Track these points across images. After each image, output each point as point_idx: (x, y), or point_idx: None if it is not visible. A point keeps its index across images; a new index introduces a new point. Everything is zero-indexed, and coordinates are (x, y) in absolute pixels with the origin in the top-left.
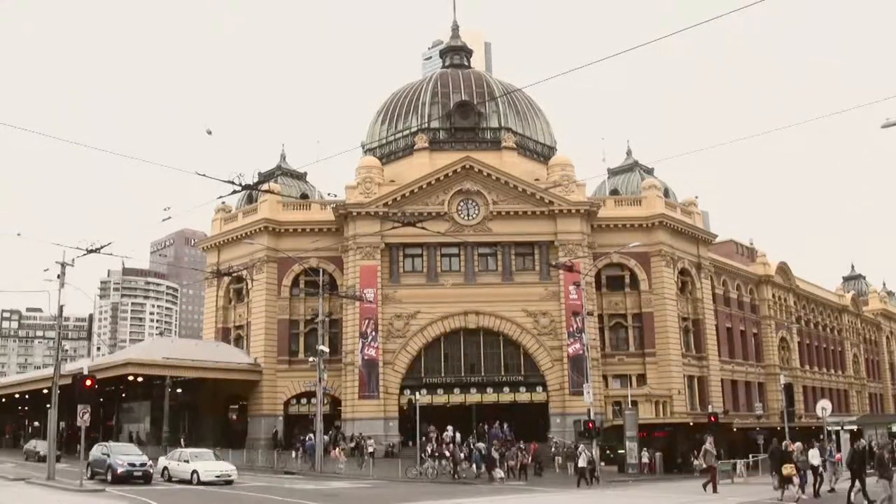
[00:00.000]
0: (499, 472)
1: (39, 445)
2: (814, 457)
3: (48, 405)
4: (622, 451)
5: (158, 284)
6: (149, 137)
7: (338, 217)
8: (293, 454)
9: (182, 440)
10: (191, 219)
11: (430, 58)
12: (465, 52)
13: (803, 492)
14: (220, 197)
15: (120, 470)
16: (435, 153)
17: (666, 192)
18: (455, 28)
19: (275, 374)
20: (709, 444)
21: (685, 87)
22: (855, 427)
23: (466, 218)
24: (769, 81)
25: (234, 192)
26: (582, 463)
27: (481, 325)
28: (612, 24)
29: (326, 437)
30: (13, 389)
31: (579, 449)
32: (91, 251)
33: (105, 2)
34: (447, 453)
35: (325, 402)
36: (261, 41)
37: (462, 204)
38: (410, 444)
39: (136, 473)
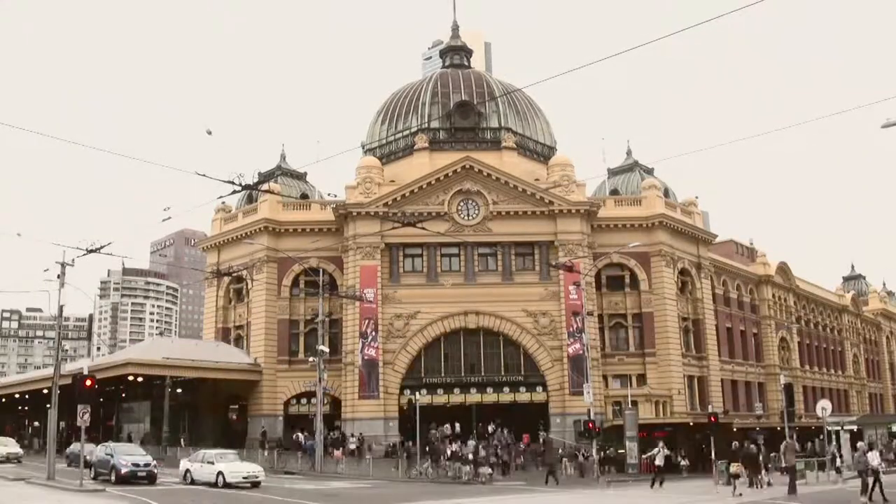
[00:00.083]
0: (486, 469)
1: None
2: (873, 458)
3: (48, 405)
4: (622, 451)
5: (158, 284)
6: (149, 137)
7: (338, 217)
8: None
9: (182, 440)
10: (191, 219)
11: (430, 58)
12: (465, 52)
13: (760, 487)
14: (220, 197)
15: (124, 470)
16: (435, 153)
17: (666, 192)
18: (455, 28)
19: (275, 374)
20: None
21: (685, 87)
22: (855, 427)
23: (466, 218)
24: (769, 81)
25: (234, 192)
26: (659, 461)
27: (481, 325)
28: (612, 24)
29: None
30: (13, 389)
31: (658, 446)
32: (91, 251)
33: (105, 2)
34: (448, 452)
35: (326, 402)
36: (261, 41)
37: (462, 204)
38: (410, 444)
39: (139, 474)
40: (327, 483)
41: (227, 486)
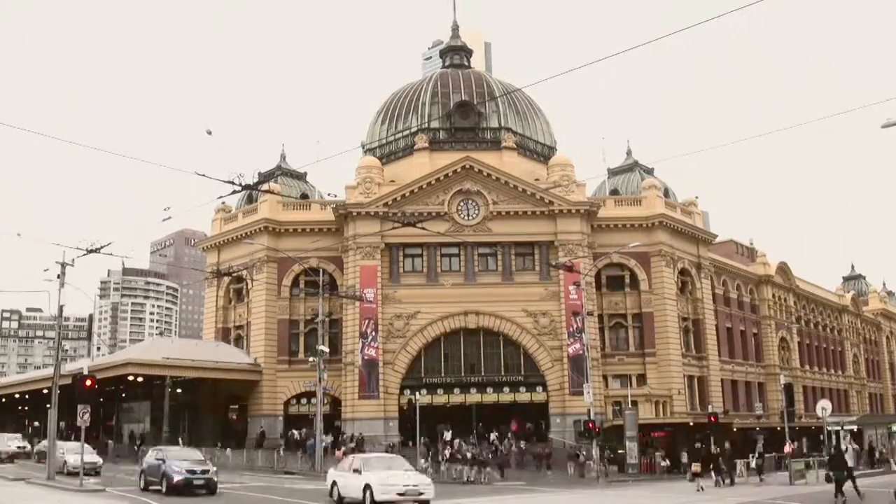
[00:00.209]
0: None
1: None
2: (849, 459)
3: (48, 405)
4: (622, 451)
5: (158, 284)
6: (149, 137)
7: (338, 217)
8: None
9: (181, 440)
10: (191, 219)
11: (430, 58)
12: (465, 52)
13: (722, 485)
14: (220, 197)
15: (177, 478)
16: (435, 153)
17: (666, 192)
18: (455, 28)
19: (275, 374)
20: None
21: (685, 87)
22: (855, 427)
23: (466, 218)
24: (769, 81)
25: (234, 192)
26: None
27: (481, 325)
28: (612, 24)
29: (329, 438)
30: (13, 389)
31: (759, 442)
32: (91, 251)
33: (105, 2)
34: (447, 454)
35: (325, 402)
36: (261, 41)
37: (462, 204)
38: (410, 444)
39: (196, 482)
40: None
41: None
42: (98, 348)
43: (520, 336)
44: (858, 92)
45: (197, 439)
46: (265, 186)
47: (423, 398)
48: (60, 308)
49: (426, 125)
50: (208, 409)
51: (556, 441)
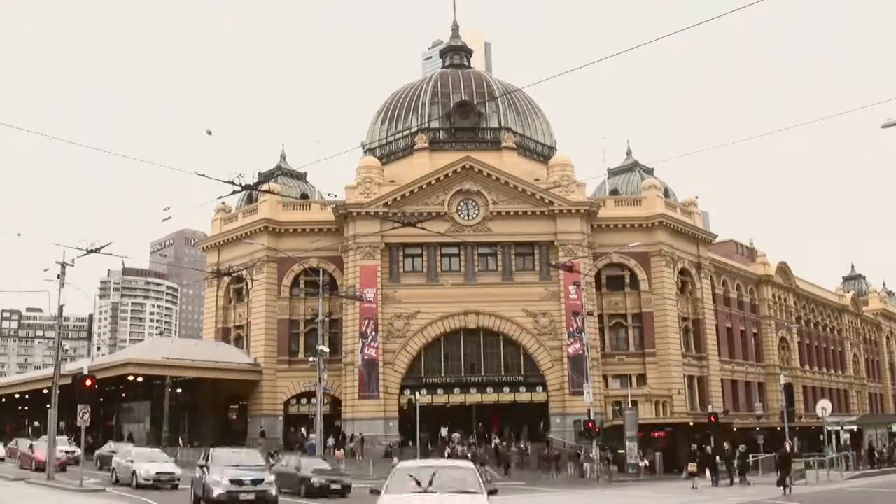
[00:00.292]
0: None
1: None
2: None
3: (48, 405)
4: (622, 451)
5: (158, 284)
6: (149, 137)
7: (338, 217)
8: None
9: (181, 440)
10: (191, 219)
11: (430, 58)
12: (465, 52)
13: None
14: (220, 197)
15: (217, 492)
16: (435, 153)
17: (666, 192)
18: (455, 28)
19: (275, 374)
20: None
21: (685, 87)
22: (855, 427)
23: (466, 218)
24: (769, 81)
25: (234, 192)
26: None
27: (481, 325)
28: (612, 24)
29: (332, 440)
30: (13, 389)
31: (739, 446)
32: (91, 251)
33: (105, 2)
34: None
35: (326, 402)
36: (261, 41)
37: (462, 204)
38: (410, 443)
39: (243, 497)
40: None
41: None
42: (98, 348)
43: (520, 336)
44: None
45: (197, 439)
46: (265, 186)
47: (423, 398)
48: (60, 308)
49: (426, 125)
50: (208, 409)
51: (556, 441)
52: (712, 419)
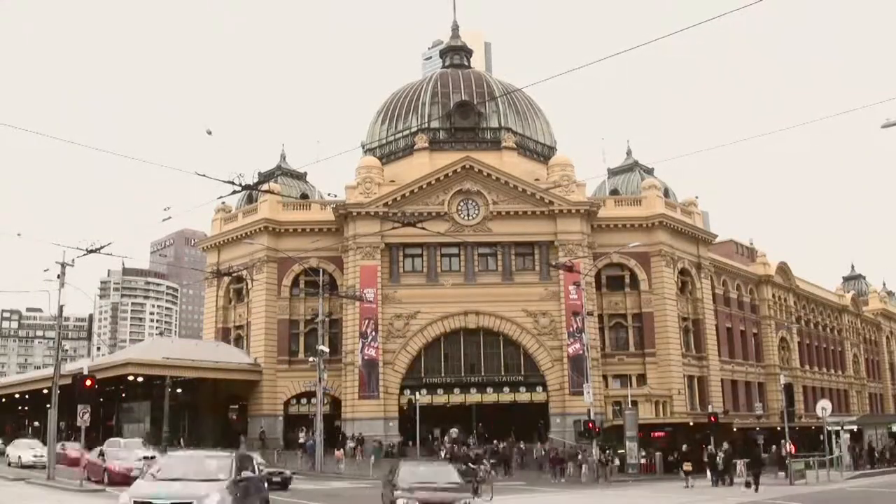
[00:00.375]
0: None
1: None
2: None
3: (48, 405)
4: (622, 451)
5: (158, 284)
6: (149, 137)
7: (338, 217)
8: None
9: (181, 440)
10: (191, 219)
11: (430, 58)
12: (465, 52)
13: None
14: (220, 197)
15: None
16: (435, 153)
17: (666, 192)
18: (455, 28)
19: (275, 374)
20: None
21: (685, 87)
22: (855, 427)
23: (466, 218)
24: (769, 81)
25: (234, 192)
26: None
27: (481, 325)
28: (612, 24)
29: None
30: (13, 389)
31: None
32: (91, 251)
33: (105, 2)
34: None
35: (326, 402)
36: (261, 41)
37: (462, 204)
38: (410, 443)
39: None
40: (328, 483)
41: None
42: (98, 348)
43: (520, 336)
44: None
45: (197, 439)
46: (265, 186)
47: (423, 398)
48: (60, 308)
49: (426, 125)
50: (208, 409)
51: (557, 441)
52: (712, 419)
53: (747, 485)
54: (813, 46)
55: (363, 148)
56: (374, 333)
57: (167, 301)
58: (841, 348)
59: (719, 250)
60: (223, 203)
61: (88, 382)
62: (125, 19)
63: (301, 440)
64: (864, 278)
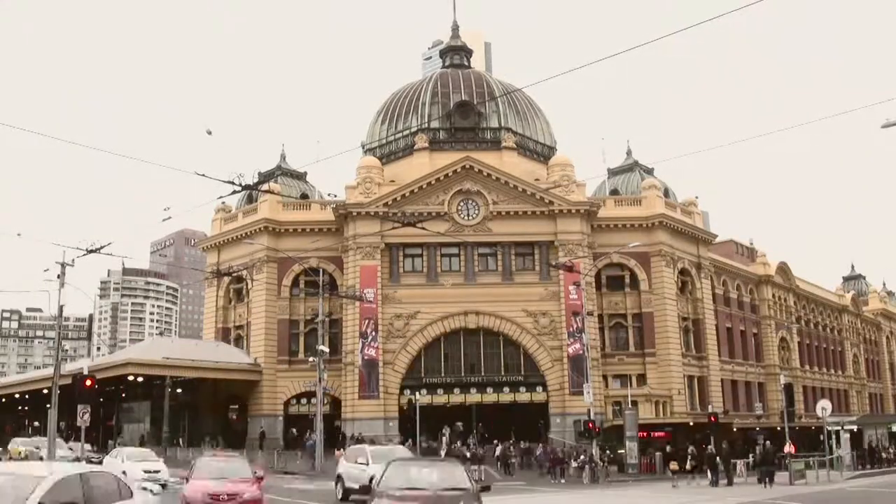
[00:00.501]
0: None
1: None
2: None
3: (48, 405)
4: (622, 451)
5: (158, 284)
6: (149, 137)
7: (338, 217)
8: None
9: (181, 440)
10: (191, 219)
11: (430, 58)
12: (465, 52)
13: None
14: (220, 197)
15: None
16: (435, 153)
17: (666, 192)
18: (455, 28)
19: (275, 374)
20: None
21: (685, 87)
22: (855, 427)
23: (466, 218)
24: (770, 81)
25: (234, 192)
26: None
27: (481, 325)
28: (612, 24)
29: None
30: (13, 389)
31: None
32: (91, 251)
33: (105, 2)
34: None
35: (326, 402)
36: (261, 41)
37: (462, 204)
38: (410, 443)
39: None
40: (328, 483)
41: None
42: (98, 348)
43: (520, 336)
44: (858, 92)
45: (197, 439)
46: (265, 186)
47: (423, 398)
48: (60, 308)
49: (426, 125)
50: (208, 409)
51: (557, 441)
52: (712, 419)
53: (763, 482)
54: (813, 46)
55: (363, 148)
56: (374, 333)
57: (167, 301)
58: (841, 348)
59: (719, 250)
60: (223, 203)
61: (88, 382)
62: (125, 19)
63: (312, 440)
64: (864, 278)
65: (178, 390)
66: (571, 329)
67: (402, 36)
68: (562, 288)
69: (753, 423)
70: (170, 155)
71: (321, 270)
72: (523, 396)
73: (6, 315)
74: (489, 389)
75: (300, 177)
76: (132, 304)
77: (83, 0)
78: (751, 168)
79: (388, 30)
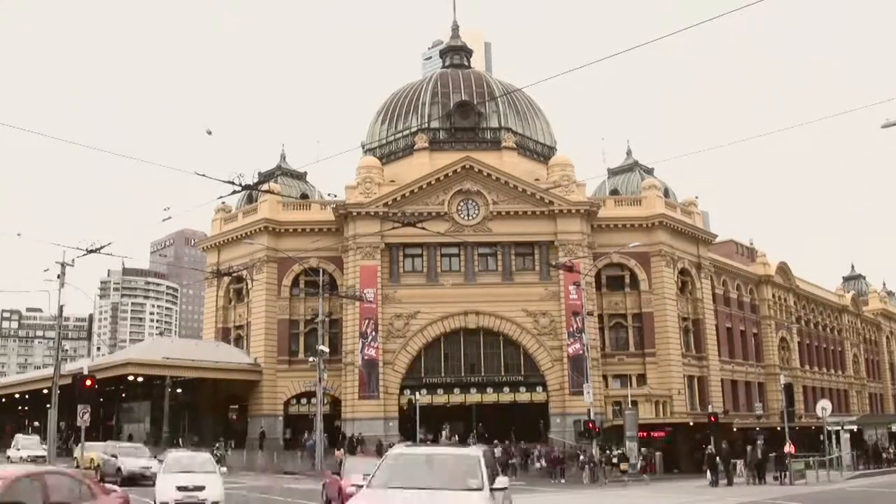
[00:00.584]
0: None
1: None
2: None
3: (48, 405)
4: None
5: (158, 284)
6: (149, 137)
7: (338, 217)
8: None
9: (180, 440)
10: (191, 219)
11: (430, 58)
12: (465, 52)
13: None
14: (220, 197)
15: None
16: (435, 153)
17: (666, 192)
18: (455, 28)
19: (275, 374)
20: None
21: (685, 87)
22: (855, 427)
23: (466, 218)
24: (770, 81)
25: (234, 192)
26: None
27: (481, 325)
28: (612, 24)
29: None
30: (13, 389)
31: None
32: (91, 251)
33: (105, 2)
34: None
35: (326, 402)
36: (261, 41)
37: (462, 204)
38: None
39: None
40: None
41: None
42: (98, 348)
43: (520, 336)
44: (858, 92)
45: (207, 441)
46: (265, 186)
47: (423, 398)
48: (60, 308)
49: (426, 125)
50: (208, 409)
51: (557, 441)
52: (712, 419)
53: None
54: (813, 46)
55: (363, 148)
56: (374, 333)
57: (167, 301)
58: (841, 348)
59: (719, 250)
60: (223, 203)
61: (88, 382)
62: (125, 19)
63: (312, 440)
64: (864, 278)
65: (178, 390)
66: (571, 329)
67: (402, 36)
68: (562, 288)
69: (753, 423)
70: (170, 155)
71: (321, 270)
72: (523, 396)
73: (6, 315)
74: (489, 389)
75: (300, 177)
76: (132, 304)
77: (83, 0)
78: (751, 168)
79: (388, 30)
